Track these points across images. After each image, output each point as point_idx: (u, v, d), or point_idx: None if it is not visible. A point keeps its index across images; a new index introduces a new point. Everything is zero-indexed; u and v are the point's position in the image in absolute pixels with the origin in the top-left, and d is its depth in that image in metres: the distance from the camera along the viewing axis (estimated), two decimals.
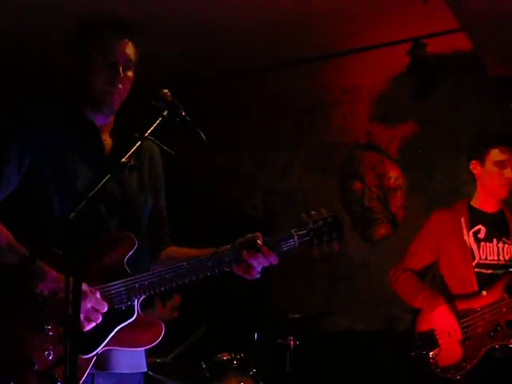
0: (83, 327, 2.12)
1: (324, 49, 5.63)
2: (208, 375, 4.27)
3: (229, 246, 2.42)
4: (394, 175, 6.14)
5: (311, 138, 6.54)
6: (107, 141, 2.48)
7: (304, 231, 2.42)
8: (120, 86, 2.40)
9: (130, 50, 2.44)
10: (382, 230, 6.15)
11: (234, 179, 6.71)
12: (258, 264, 2.39)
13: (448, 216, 3.92)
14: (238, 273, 2.43)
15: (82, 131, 2.44)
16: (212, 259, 2.37)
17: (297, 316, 4.59)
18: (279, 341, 4.50)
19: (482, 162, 3.82)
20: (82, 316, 2.06)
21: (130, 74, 2.44)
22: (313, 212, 2.46)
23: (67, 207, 2.09)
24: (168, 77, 5.75)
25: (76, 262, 1.77)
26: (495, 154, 3.78)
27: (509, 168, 3.76)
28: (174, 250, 2.60)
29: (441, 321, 3.67)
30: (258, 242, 2.38)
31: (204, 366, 4.27)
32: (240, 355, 4.35)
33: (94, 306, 2.16)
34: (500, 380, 3.56)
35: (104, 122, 2.49)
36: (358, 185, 6.28)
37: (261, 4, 4.77)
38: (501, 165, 3.76)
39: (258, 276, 2.42)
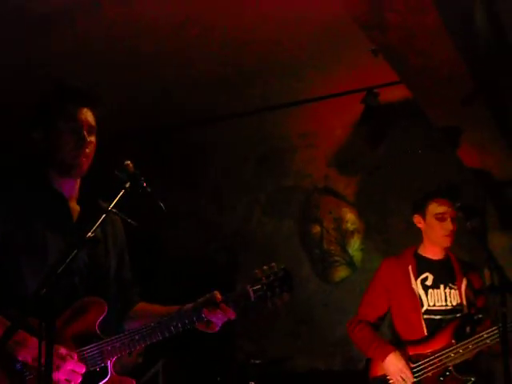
0: None
1: (280, 98, 5.76)
2: None
3: (191, 305, 2.57)
4: (351, 218, 6.25)
5: (270, 182, 6.67)
6: (75, 208, 2.61)
7: (258, 286, 2.59)
8: (87, 150, 2.55)
9: (90, 117, 2.61)
10: (341, 272, 6.24)
11: (198, 225, 6.82)
12: (218, 320, 2.55)
13: (396, 264, 4.00)
14: (200, 328, 2.58)
15: (50, 201, 2.56)
16: (176, 319, 2.52)
17: (258, 362, 4.71)
18: None
19: (423, 216, 3.93)
20: (63, 378, 2.20)
21: (93, 138, 2.60)
22: (265, 267, 2.63)
23: (39, 280, 2.19)
24: (135, 126, 5.96)
25: (51, 330, 1.90)
26: (434, 208, 3.87)
27: (449, 219, 3.84)
28: (143, 307, 2.75)
29: (392, 368, 3.74)
30: (217, 299, 2.55)
31: None
32: None
33: (73, 369, 2.31)
34: None
35: (71, 189, 2.62)
36: (316, 228, 6.38)
37: (222, 58, 4.95)
38: (441, 217, 3.85)
39: (217, 330, 2.57)
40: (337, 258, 6.27)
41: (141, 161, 2.77)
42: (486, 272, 5.12)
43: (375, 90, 5.49)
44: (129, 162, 2.43)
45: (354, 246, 6.23)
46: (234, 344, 6.15)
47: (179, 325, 2.52)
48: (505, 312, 2.81)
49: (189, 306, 2.59)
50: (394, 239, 5.87)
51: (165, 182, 6.43)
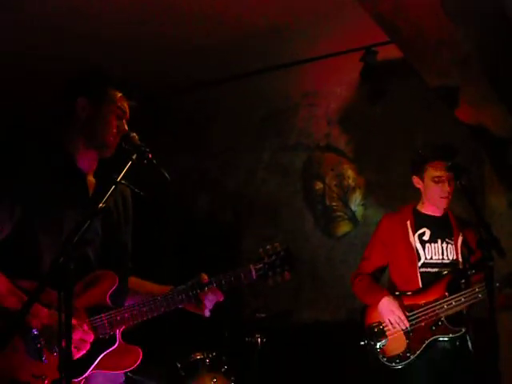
0: (74, 355, 2.44)
1: (284, 58, 5.83)
2: (183, 374, 4.55)
3: (183, 286, 2.77)
4: (352, 175, 6.40)
5: (273, 142, 6.79)
6: (91, 181, 2.76)
7: (260, 265, 2.80)
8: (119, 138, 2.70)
9: (128, 112, 2.77)
10: (343, 227, 6.39)
11: (202, 184, 6.96)
12: (208, 301, 2.76)
13: (395, 220, 4.14)
14: (190, 309, 2.80)
15: (69, 176, 2.69)
16: (183, 292, 2.72)
17: (263, 315, 4.90)
18: (247, 339, 4.81)
19: (421, 177, 4.05)
20: (72, 346, 2.38)
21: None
22: (268, 246, 2.84)
23: (56, 250, 2.33)
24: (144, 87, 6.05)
25: (67, 300, 2.08)
26: (431, 171, 3.98)
27: (446, 182, 3.94)
28: (135, 282, 2.92)
29: (385, 310, 3.91)
30: (204, 280, 2.75)
31: (179, 366, 4.55)
32: (212, 354, 4.62)
33: (82, 337, 2.50)
34: (441, 368, 3.83)
35: (91, 163, 2.76)
36: (318, 185, 6.52)
37: (224, 20, 5.02)
38: (438, 180, 3.96)
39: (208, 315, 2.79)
40: (339, 214, 6.41)
41: (143, 123, 2.95)
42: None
43: (374, 49, 5.52)
44: (134, 134, 2.59)
45: (356, 201, 6.36)
46: (241, 300, 6.33)
47: (185, 299, 2.72)
48: (491, 266, 2.96)
49: (181, 286, 2.77)
50: (394, 194, 5.97)
51: (168, 143, 6.59)
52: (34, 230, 2.57)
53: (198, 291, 2.73)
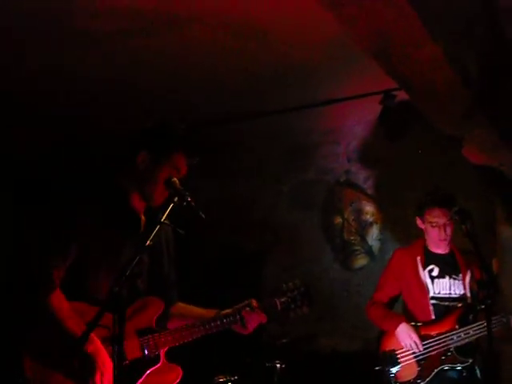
0: None
1: (306, 99, 6.08)
2: None
3: (231, 309, 3.12)
4: (370, 210, 6.64)
5: (295, 176, 7.05)
6: (142, 220, 3.11)
7: (284, 299, 3.17)
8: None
9: (185, 169, 3.07)
10: (361, 260, 6.63)
11: (227, 214, 7.18)
12: (253, 322, 3.12)
13: (407, 255, 4.45)
14: (236, 329, 3.15)
15: (127, 215, 3.04)
16: (218, 319, 3.07)
17: (284, 341, 5.19)
18: (267, 364, 5.06)
19: (422, 220, 4.35)
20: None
21: None
22: (290, 283, 3.22)
23: (111, 281, 2.66)
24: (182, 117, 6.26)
25: (120, 322, 2.41)
26: (428, 216, 4.27)
27: (442, 227, 4.23)
28: (182, 307, 3.27)
29: (403, 335, 4.19)
30: (255, 304, 3.11)
31: None
32: (234, 377, 4.87)
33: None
34: None
35: (143, 204, 3.10)
36: (338, 219, 6.76)
37: (256, 65, 5.28)
38: (435, 225, 4.25)
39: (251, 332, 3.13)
40: (357, 248, 6.64)
41: None
42: (495, 261, 5.58)
43: (393, 93, 5.73)
44: (175, 179, 2.93)
45: (373, 236, 6.60)
46: (261, 328, 6.55)
47: (221, 324, 3.06)
48: (490, 304, 3.25)
49: (228, 310, 3.12)
50: (409, 230, 5.91)
51: (197, 172, 6.87)
52: (95, 260, 2.91)
53: (243, 314, 3.05)
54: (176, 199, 2.82)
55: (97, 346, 2.74)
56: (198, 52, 4.97)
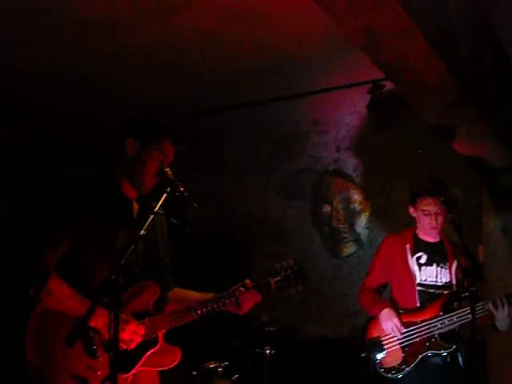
0: (129, 346, 2.88)
1: (295, 89, 6.15)
2: (198, 381, 4.92)
3: (226, 291, 3.19)
4: (358, 199, 6.72)
5: (284, 165, 7.10)
6: (135, 206, 3.18)
7: (278, 278, 3.23)
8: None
9: (172, 154, 3.14)
10: (349, 248, 6.72)
11: (215, 203, 7.25)
12: (247, 302, 3.18)
13: (396, 242, 4.50)
14: (231, 310, 3.21)
15: (119, 202, 3.12)
16: (214, 301, 3.15)
17: (272, 329, 5.27)
18: (257, 350, 5.16)
19: (415, 208, 4.40)
20: (128, 338, 2.80)
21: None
22: (284, 263, 3.27)
23: (108, 264, 2.76)
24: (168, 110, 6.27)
25: (118, 306, 2.49)
26: (421, 204, 4.32)
27: (433, 215, 4.28)
28: (179, 292, 3.34)
29: (385, 320, 4.25)
30: (248, 285, 3.18)
31: (195, 373, 4.90)
32: (224, 363, 4.97)
33: (135, 330, 2.92)
34: (433, 381, 4.18)
35: (134, 192, 3.17)
36: (326, 207, 6.84)
37: (245, 54, 5.34)
38: (427, 213, 4.30)
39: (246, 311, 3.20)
40: (345, 235, 6.73)
41: None
42: (481, 249, 5.67)
43: (381, 83, 5.78)
44: (168, 169, 2.99)
45: (361, 224, 6.68)
46: (251, 314, 6.61)
47: (217, 305, 3.13)
48: (473, 291, 3.33)
49: (223, 292, 3.19)
50: (396, 218, 6.15)
51: (183, 161, 6.90)
52: (89, 249, 2.98)
53: (238, 294, 3.13)
54: (169, 189, 2.88)
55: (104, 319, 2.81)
56: (186, 41, 5.00)
